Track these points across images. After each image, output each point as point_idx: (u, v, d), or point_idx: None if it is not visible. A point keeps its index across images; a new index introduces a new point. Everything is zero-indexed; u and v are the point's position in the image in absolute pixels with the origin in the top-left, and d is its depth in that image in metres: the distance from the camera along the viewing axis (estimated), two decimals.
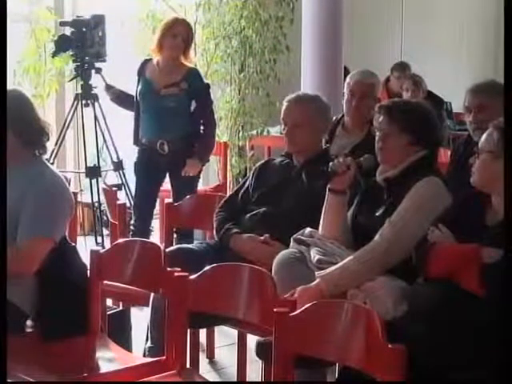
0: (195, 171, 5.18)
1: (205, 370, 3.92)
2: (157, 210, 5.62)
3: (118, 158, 5.90)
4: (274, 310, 2.56)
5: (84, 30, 5.64)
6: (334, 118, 4.58)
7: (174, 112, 5.10)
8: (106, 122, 5.82)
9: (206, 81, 5.48)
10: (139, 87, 5.20)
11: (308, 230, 3.36)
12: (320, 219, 3.38)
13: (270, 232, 3.62)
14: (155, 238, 5.38)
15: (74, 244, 3.33)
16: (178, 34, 5.09)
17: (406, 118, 3.26)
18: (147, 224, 5.26)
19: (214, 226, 3.84)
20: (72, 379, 2.81)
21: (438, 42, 9.64)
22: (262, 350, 2.88)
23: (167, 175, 5.28)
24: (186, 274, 2.93)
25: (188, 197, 4.35)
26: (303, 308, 2.53)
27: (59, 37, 5.73)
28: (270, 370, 2.58)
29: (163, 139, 5.11)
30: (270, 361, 2.60)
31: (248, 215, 3.78)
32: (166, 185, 5.43)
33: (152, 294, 3.55)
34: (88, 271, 3.20)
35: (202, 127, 5.20)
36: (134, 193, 5.44)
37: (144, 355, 3.54)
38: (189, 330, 3.01)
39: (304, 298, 2.89)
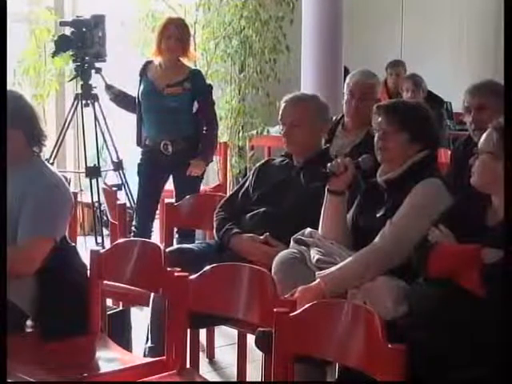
0: (200, 171, 5.19)
1: (205, 370, 3.93)
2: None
3: (117, 157, 5.90)
4: (274, 309, 2.56)
5: (84, 30, 5.64)
6: (334, 118, 4.59)
7: (177, 112, 5.10)
8: (106, 122, 5.83)
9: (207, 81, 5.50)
10: (141, 88, 5.20)
11: (308, 230, 3.36)
12: (320, 219, 3.38)
13: (270, 232, 3.62)
14: (155, 238, 5.38)
15: (73, 244, 3.33)
16: (171, 35, 5.09)
17: (405, 117, 3.27)
18: (149, 225, 5.26)
19: (214, 225, 3.84)
20: (72, 379, 2.81)
21: (437, 41, 9.65)
22: (261, 341, 2.87)
23: (170, 176, 5.28)
24: (186, 274, 2.93)
25: (188, 197, 4.35)
26: (303, 308, 2.54)
27: (59, 37, 5.73)
28: (270, 369, 2.58)
29: (167, 140, 5.11)
30: (268, 352, 2.60)
31: (248, 215, 3.78)
32: (167, 185, 5.43)
33: (152, 294, 3.55)
34: (88, 271, 3.21)
35: (204, 127, 5.21)
36: (136, 194, 5.44)
37: (144, 355, 3.54)
38: (189, 330, 3.01)
39: (304, 298, 2.89)
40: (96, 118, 5.75)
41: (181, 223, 4.45)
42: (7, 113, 2.94)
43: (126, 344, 3.44)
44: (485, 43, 10.13)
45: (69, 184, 3.56)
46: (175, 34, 5.10)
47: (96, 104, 5.76)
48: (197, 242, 4.54)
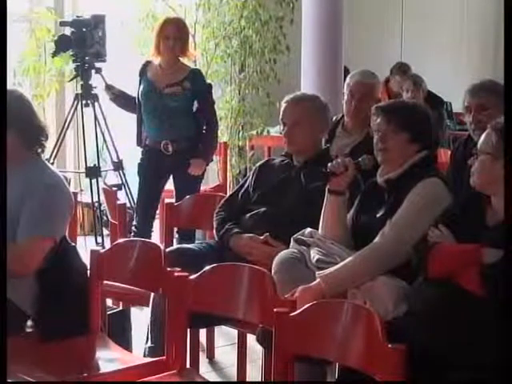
0: (200, 171, 5.19)
1: (205, 370, 3.93)
2: None
3: (117, 157, 5.90)
4: (274, 310, 2.56)
5: (84, 30, 5.65)
6: (334, 118, 4.59)
7: (177, 112, 5.10)
8: (106, 122, 5.83)
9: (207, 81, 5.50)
10: (141, 87, 5.20)
11: (308, 230, 3.36)
12: (320, 219, 3.38)
13: (270, 232, 3.62)
14: (155, 238, 5.38)
15: (73, 244, 3.33)
16: (169, 35, 5.08)
17: (403, 117, 3.27)
18: (149, 225, 5.26)
19: (214, 225, 3.84)
20: (72, 379, 2.81)
21: (437, 41, 9.66)
22: (262, 336, 2.87)
23: (170, 176, 5.28)
24: (186, 273, 2.93)
25: (188, 197, 4.35)
26: (303, 308, 2.53)
27: (59, 37, 5.74)
28: (270, 369, 2.58)
29: (167, 139, 5.11)
30: (269, 347, 2.60)
31: (248, 215, 3.78)
32: (167, 185, 5.43)
33: (152, 294, 3.55)
34: (88, 271, 3.21)
35: (204, 127, 5.21)
36: (137, 194, 5.44)
37: (144, 355, 3.54)
38: (189, 330, 3.01)
39: (304, 298, 2.89)
40: (96, 118, 5.75)
41: (181, 223, 4.45)
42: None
43: (126, 344, 3.44)
44: (485, 43, 10.13)
45: (69, 184, 3.56)
46: (173, 34, 5.09)
47: (96, 104, 5.76)
48: (197, 241, 4.54)
